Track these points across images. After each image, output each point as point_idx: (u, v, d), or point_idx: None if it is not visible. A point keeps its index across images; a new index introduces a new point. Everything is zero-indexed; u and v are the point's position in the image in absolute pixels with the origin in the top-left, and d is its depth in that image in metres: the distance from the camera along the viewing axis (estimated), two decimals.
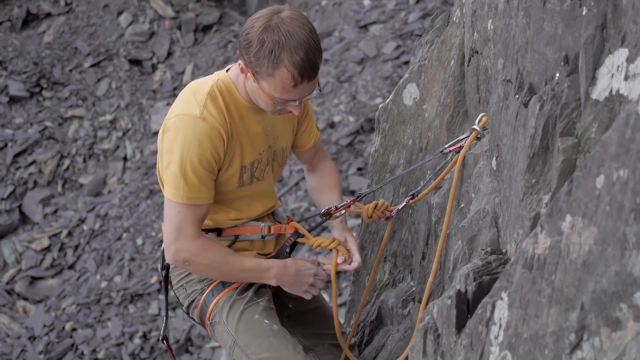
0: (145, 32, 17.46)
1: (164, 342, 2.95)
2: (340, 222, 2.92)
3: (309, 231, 2.92)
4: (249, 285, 2.77)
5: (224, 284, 2.76)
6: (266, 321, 2.69)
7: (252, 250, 2.80)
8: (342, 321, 3.43)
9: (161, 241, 2.75)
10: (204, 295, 2.77)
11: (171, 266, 2.83)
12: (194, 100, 2.53)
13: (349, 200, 2.90)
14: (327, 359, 2.83)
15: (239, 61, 2.50)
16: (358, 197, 2.96)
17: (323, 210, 2.89)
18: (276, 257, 2.84)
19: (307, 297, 2.78)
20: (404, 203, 2.90)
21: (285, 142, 2.83)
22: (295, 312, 2.97)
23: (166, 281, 2.90)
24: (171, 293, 2.91)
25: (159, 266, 2.90)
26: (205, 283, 2.78)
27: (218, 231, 2.76)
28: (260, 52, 2.38)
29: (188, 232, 2.55)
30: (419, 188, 2.95)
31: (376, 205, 2.92)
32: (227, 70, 2.66)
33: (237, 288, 2.75)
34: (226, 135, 2.55)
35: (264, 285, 2.83)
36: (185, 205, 2.53)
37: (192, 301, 2.81)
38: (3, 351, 12.53)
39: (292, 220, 2.91)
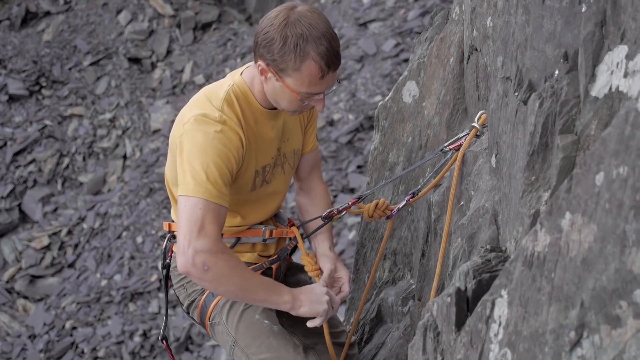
0: (144, 30, 17.46)
1: (163, 342, 2.94)
2: (329, 249, 2.83)
3: (310, 234, 2.90)
4: None
5: None
6: (266, 321, 2.68)
7: (253, 252, 2.79)
8: (341, 319, 3.43)
9: (162, 237, 2.70)
10: (205, 295, 2.76)
11: (172, 265, 2.82)
12: (211, 105, 2.47)
13: (349, 202, 2.90)
14: (327, 358, 2.82)
15: (259, 62, 2.43)
16: (359, 198, 2.95)
17: (325, 213, 2.87)
18: (277, 259, 2.83)
19: (321, 322, 2.60)
20: (404, 202, 2.89)
21: (296, 144, 2.80)
22: None
23: (166, 280, 2.89)
24: (171, 292, 2.90)
25: (160, 265, 2.88)
26: None
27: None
28: (284, 48, 2.34)
29: (211, 230, 2.34)
30: (419, 187, 2.94)
31: (377, 205, 2.91)
32: (241, 74, 2.60)
33: None
34: (245, 139, 2.50)
35: None
36: (207, 201, 2.35)
37: (193, 301, 2.80)
38: (3, 350, 12.55)
39: (293, 224, 2.90)
